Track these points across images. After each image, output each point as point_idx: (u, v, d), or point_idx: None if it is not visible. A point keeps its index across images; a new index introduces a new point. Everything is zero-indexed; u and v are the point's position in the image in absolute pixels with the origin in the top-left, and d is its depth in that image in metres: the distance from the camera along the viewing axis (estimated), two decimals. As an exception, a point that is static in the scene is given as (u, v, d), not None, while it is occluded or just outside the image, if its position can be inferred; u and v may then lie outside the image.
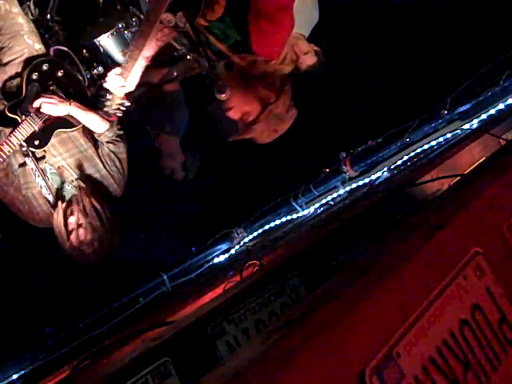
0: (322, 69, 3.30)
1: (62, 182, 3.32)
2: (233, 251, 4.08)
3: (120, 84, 2.97)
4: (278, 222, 4.02)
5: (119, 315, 3.56)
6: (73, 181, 3.31)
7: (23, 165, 3.30)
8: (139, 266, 4.16)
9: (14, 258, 4.02)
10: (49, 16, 3.95)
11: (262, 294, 1.78)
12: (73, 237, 3.21)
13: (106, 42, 3.76)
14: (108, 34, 3.74)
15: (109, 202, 3.35)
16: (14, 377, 3.45)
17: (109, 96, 3.07)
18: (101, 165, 3.36)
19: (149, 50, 2.87)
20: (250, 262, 2.45)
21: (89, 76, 3.54)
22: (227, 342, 1.66)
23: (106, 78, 3.00)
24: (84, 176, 3.33)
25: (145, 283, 3.98)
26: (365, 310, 0.90)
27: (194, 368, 1.53)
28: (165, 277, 3.99)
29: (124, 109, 3.14)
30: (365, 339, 0.87)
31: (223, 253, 4.15)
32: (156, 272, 4.03)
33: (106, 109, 3.13)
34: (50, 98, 3.19)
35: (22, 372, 3.47)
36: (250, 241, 4.09)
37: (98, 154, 3.36)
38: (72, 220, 3.21)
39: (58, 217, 3.23)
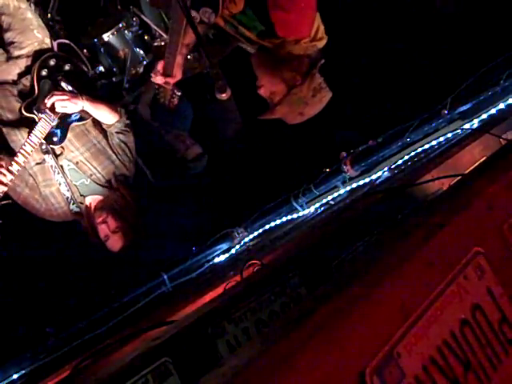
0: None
1: (81, 178, 3.34)
2: (233, 251, 4.08)
3: (165, 77, 2.99)
4: (278, 221, 4.02)
5: (120, 315, 3.56)
6: (91, 175, 3.34)
7: (40, 163, 3.31)
8: (139, 265, 4.16)
9: (14, 258, 4.02)
10: (49, 16, 3.97)
11: (263, 293, 1.78)
12: (102, 229, 3.27)
13: (107, 41, 3.77)
14: (109, 33, 3.75)
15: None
16: (15, 376, 3.45)
17: (161, 89, 3.11)
18: (114, 156, 3.40)
19: (187, 38, 2.91)
20: (250, 262, 2.45)
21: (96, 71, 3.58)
22: (227, 342, 1.66)
23: (153, 78, 3.03)
24: (101, 168, 3.35)
25: (145, 283, 3.97)
26: (365, 310, 0.90)
27: (195, 368, 1.53)
28: (165, 276, 3.99)
29: (179, 94, 3.15)
30: (365, 339, 0.87)
31: (224, 252, 4.15)
32: (156, 272, 4.03)
33: (162, 101, 3.16)
34: (62, 95, 3.20)
35: (23, 372, 3.46)
36: (251, 240, 4.08)
37: (109, 145, 3.40)
38: (98, 214, 3.27)
39: (85, 218, 3.30)
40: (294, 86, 2.91)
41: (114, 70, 4.20)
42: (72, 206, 3.37)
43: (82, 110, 3.26)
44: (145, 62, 4.21)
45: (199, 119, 4.15)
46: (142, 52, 4.18)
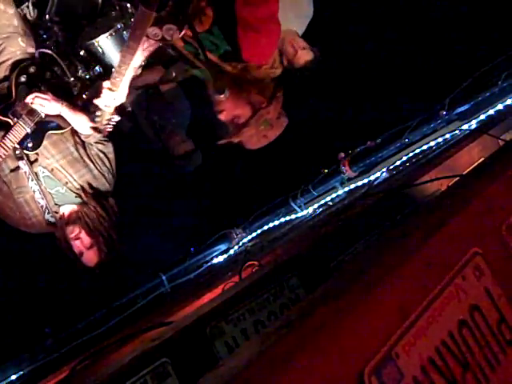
0: (315, 65, 3.31)
1: (56, 186, 3.30)
2: (232, 252, 4.08)
3: (112, 99, 2.96)
4: (276, 222, 4.03)
5: (118, 316, 3.56)
6: (67, 183, 3.28)
7: (15, 170, 3.26)
8: (138, 266, 4.16)
9: (13, 259, 4.02)
10: (47, 17, 3.95)
11: (261, 294, 1.78)
12: (76, 245, 3.22)
13: (105, 42, 3.76)
14: (107, 34, 3.74)
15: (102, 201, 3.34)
16: (13, 377, 3.45)
17: (98, 112, 3.05)
18: (92, 165, 3.33)
19: (137, 62, 2.88)
20: (248, 263, 2.45)
21: (87, 77, 3.53)
22: (226, 343, 1.66)
23: (101, 95, 2.97)
24: (77, 177, 3.31)
25: (144, 284, 3.98)
26: (364, 311, 0.90)
27: (193, 368, 1.53)
28: (164, 277, 3.99)
29: (114, 123, 3.12)
30: (364, 339, 0.87)
31: (222, 253, 4.15)
32: (155, 272, 4.03)
33: (96, 125, 3.11)
34: (44, 93, 3.18)
35: (21, 372, 3.46)
36: (249, 241, 4.09)
37: (87, 154, 3.33)
38: (71, 229, 3.22)
39: (59, 230, 3.25)
40: (260, 108, 2.89)
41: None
42: (47, 216, 3.29)
43: (61, 119, 3.22)
44: (143, 63, 4.21)
45: (196, 120, 4.15)
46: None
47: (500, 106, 3.05)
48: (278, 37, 2.94)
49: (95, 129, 3.15)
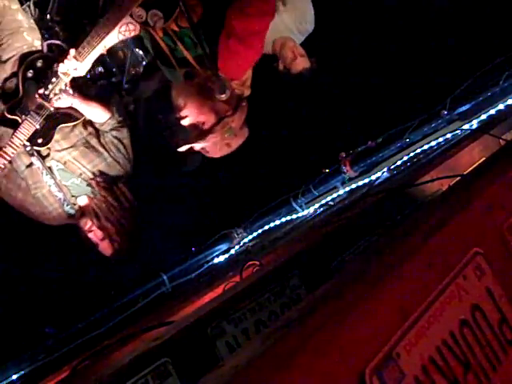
0: (311, 74, 3.30)
1: (71, 178, 3.31)
2: (232, 251, 4.08)
3: (73, 67, 2.91)
4: (277, 222, 4.02)
5: (119, 315, 3.56)
6: (81, 174, 3.29)
7: (30, 165, 3.28)
8: (139, 266, 4.16)
9: (13, 259, 4.02)
10: (49, 16, 3.95)
11: (262, 294, 1.78)
12: (91, 237, 3.25)
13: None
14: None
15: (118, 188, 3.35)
16: (14, 377, 3.45)
17: (54, 79, 3.00)
18: (106, 153, 3.34)
19: (109, 40, 2.85)
20: (249, 263, 2.45)
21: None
22: (227, 343, 1.66)
23: (64, 60, 2.92)
24: (91, 167, 3.31)
25: (144, 283, 3.97)
26: (365, 311, 0.90)
27: (194, 368, 1.53)
28: (164, 277, 3.99)
29: (64, 97, 3.06)
30: (365, 339, 0.87)
31: (223, 253, 4.15)
32: (156, 272, 4.03)
33: (46, 91, 3.03)
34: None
35: (22, 372, 3.46)
36: (250, 241, 4.09)
37: (100, 143, 3.34)
38: (84, 222, 3.24)
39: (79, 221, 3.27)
40: (225, 116, 2.88)
41: (114, 70, 4.20)
42: (66, 208, 3.32)
43: (74, 110, 3.22)
44: (144, 63, 4.21)
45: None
46: (141, 53, 4.18)
47: (501, 106, 3.05)
48: (258, 56, 2.91)
49: (42, 96, 3.05)
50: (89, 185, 3.30)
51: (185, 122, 2.92)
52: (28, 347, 3.62)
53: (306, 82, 3.40)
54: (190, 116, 2.89)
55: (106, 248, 3.29)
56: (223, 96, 2.74)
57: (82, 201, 3.33)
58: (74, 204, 3.34)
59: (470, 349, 0.99)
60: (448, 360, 0.95)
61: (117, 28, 2.71)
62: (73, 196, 3.34)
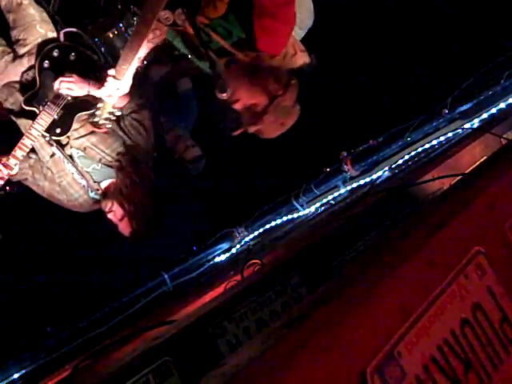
0: (311, 70, 3.30)
1: (92, 164, 3.32)
2: (234, 250, 4.09)
3: (115, 88, 2.95)
4: (278, 221, 4.03)
5: (120, 314, 3.56)
6: (101, 159, 3.29)
7: (53, 155, 3.30)
8: (140, 265, 4.16)
9: (14, 258, 4.03)
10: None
11: (263, 293, 1.78)
12: (111, 218, 3.24)
13: (107, 41, 3.76)
14: (109, 33, 3.73)
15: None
16: (15, 376, 3.45)
17: (99, 104, 3.04)
18: (125, 137, 3.32)
19: (143, 52, 2.85)
20: (250, 262, 2.45)
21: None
22: (228, 342, 1.66)
23: (105, 84, 2.97)
24: (110, 151, 3.32)
25: (146, 282, 3.98)
26: (366, 310, 0.90)
27: (195, 367, 1.53)
28: (166, 276, 4.00)
29: (114, 119, 3.11)
30: (366, 338, 0.87)
31: (224, 252, 4.16)
32: (157, 271, 4.03)
33: (95, 119, 3.10)
34: (69, 77, 3.17)
35: (23, 371, 3.47)
36: (251, 240, 4.09)
37: (120, 126, 3.34)
38: (105, 204, 3.24)
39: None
40: (277, 96, 2.87)
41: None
42: (91, 194, 3.34)
43: (92, 97, 3.22)
44: (145, 62, 4.21)
45: (201, 117, 4.15)
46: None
47: (502, 105, 3.05)
48: (293, 26, 2.91)
49: (93, 124, 3.12)
50: (110, 168, 3.30)
51: (237, 106, 2.91)
52: (29, 346, 3.63)
53: (306, 81, 3.39)
54: (242, 99, 2.89)
55: (124, 227, 3.27)
56: (224, 95, 2.74)
57: (104, 184, 3.34)
58: (98, 190, 3.35)
59: (471, 348, 0.99)
60: (449, 359, 0.95)
61: (147, 37, 2.71)
62: (95, 182, 3.35)
